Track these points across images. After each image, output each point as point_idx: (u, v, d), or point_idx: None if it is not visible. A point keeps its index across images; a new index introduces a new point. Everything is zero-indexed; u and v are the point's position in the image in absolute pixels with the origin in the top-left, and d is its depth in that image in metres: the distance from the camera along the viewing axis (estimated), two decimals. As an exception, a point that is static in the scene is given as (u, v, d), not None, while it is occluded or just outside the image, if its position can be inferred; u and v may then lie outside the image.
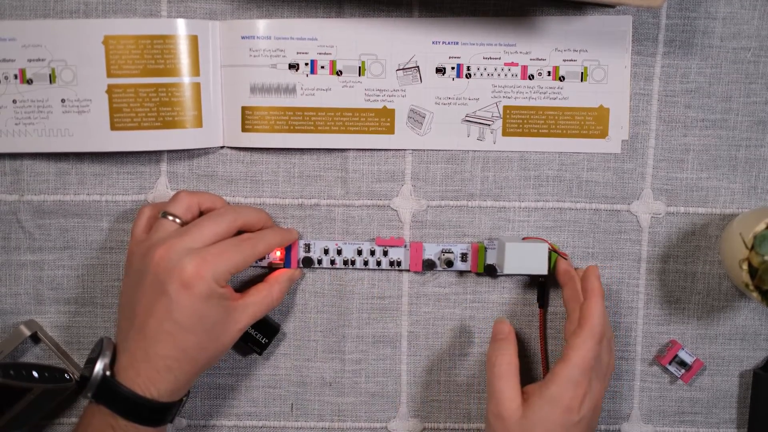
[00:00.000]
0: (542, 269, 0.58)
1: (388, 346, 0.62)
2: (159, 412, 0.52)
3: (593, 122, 0.60)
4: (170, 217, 0.54)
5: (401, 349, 0.62)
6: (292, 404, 0.63)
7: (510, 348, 0.56)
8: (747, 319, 0.62)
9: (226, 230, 0.54)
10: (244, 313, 0.54)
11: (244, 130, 0.59)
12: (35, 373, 0.59)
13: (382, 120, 0.60)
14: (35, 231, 0.60)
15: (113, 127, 0.58)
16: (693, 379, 0.63)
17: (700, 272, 0.62)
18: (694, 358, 0.61)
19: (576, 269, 0.59)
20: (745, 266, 0.53)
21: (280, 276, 0.58)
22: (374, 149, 0.60)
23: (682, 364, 0.61)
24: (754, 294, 0.53)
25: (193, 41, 0.58)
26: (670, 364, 0.61)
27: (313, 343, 0.62)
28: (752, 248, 0.53)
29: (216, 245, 0.52)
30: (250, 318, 0.55)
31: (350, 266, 0.61)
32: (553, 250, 0.59)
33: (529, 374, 0.62)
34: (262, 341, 0.60)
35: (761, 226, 0.53)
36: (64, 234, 0.61)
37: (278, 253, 0.60)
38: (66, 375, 0.60)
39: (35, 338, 0.61)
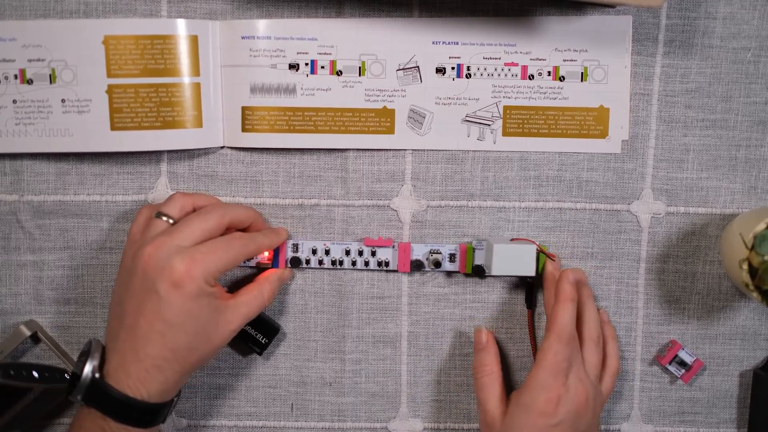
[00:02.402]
0: (530, 271, 0.58)
1: (388, 346, 0.62)
2: (150, 413, 0.52)
3: (593, 122, 0.60)
4: (164, 218, 0.54)
5: (401, 349, 0.62)
6: (292, 404, 0.63)
7: (489, 357, 0.58)
8: (747, 319, 0.62)
9: (214, 227, 0.54)
10: (236, 312, 0.54)
11: (244, 130, 0.59)
12: (35, 373, 0.59)
13: (382, 120, 0.60)
14: (35, 231, 0.60)
15: (113, 127, 0.58)
16: (693, 379, 0.63)
17: (700, 272, 0.62)
18: (694, 358, 0.61)
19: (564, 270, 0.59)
20: (745, 266, 0.53)
21: (270, 276, 0.58)
22: (374, 149, 0.60)
23: (682, 364, 0.61)
24: (754, 294, 0.53)
25: (193, 41, 0.58)
26: (670, 364, 0.62)
27: (313, 343, 0.62)
28: (752, 248, 0.53)
29: (205, 244, 0.52)
30: (243, 318, 0.55)
31: (338, 266, 0.61)
32: (541, 252, 0.59)
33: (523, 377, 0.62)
34: (262, 341, 0.60)
35: (761, 226, 0.53)
36: (63, 234, 0.61)
37: (266, 253, 0.59)
38: (66, 375, 0.60)
39: (35, 338, 0.61)
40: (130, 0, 0.58)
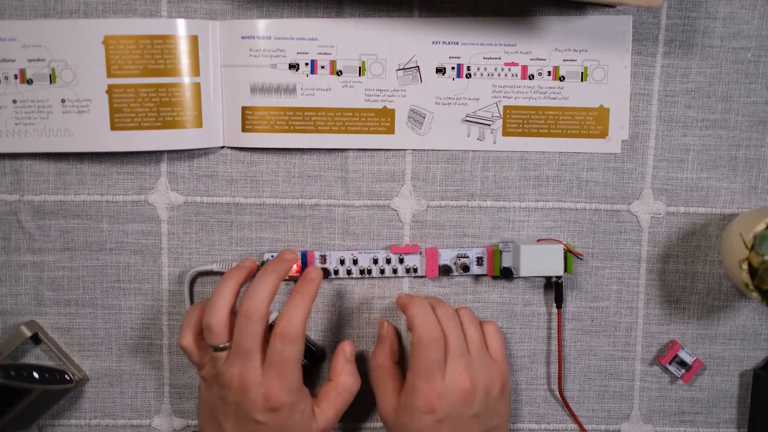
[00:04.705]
0: (558, 270, 0.58)
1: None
2: None
3: (593, 122, 0.60)
4: (221, 351, 0.54)
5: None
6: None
7: (381, 349, 0.59)
8: (747, 319, 0.62)
9: (264, 327, 0.53)
10: (322, 419, 0.56)
11: (244, 130, 0.59)
12: (36, 374, 0.59)
13: (382, 120, 0.60)
14: (35, 232, 0.60)
15: (113, 127, 0.58)
16: (693, 379, 0.63)
17: (700, 272, 0.62)
18: (694, 357, 0.61)
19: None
20: (745, 266, 0.53)
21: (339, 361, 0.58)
22: (374, 149, 0.60)
23: (682, 363, 0.61)
24: (754, 294, 0.53)
25: (193, 41, 0.57)
26: (670, 363, 0.62)
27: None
28: (752, 248, 0.53)
29: (269, 362, 0.53)
30: (332, 421, 0.57)
31: (367, 275, 0.60)
32: (568, 251, 0.59)
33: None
34: (304, 363, 0.58)
35: (761, 226, 0.53)
36: (64, 235, 0.61)
37: (294, 266, 0.59)
38: (66, 376, 0.60)
39: (36, 339, 0.61)
40: (130, 0, 0.58)
